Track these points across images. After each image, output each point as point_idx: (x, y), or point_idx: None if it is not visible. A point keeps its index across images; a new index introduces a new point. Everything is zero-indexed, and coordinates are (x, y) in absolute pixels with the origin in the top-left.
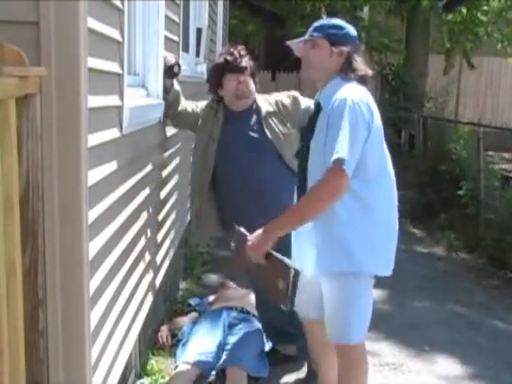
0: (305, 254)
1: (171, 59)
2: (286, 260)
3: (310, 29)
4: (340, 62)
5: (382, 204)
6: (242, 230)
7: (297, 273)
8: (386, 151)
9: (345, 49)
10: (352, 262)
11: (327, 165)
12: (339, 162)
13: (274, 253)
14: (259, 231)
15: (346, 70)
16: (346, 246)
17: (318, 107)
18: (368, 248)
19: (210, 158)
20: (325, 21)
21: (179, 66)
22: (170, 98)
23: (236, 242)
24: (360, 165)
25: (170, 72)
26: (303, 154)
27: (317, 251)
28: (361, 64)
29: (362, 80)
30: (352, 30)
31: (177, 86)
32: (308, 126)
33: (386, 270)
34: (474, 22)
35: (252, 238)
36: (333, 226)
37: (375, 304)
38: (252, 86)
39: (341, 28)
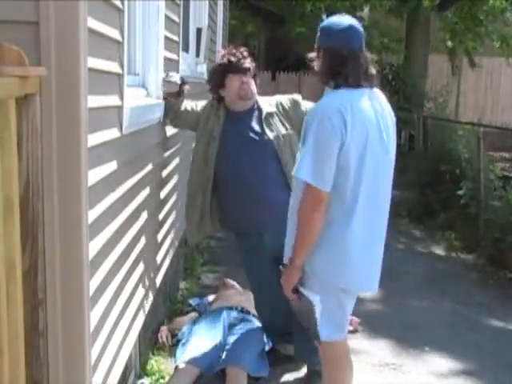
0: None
1: (176, 79)
2: (309, 296)
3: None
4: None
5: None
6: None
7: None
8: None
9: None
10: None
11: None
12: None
13: (300, 289)
14: (284, 273)
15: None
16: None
17: None
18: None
19: (211, 157)
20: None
21: (184, 82)
22: (174, 102)
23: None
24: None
25: (177, 93)
26: None
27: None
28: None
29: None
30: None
31: (185, 86)
32: None
33: (357, 287)
34: (474, 21)
35: (282, 282)
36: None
37: (375, 304)
38: (254, 87)
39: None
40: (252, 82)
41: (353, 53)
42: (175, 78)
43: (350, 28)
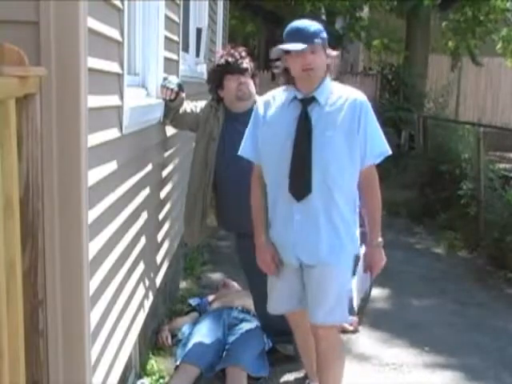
0: (302, 243)
1: (174, 85)
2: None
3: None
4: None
5: None
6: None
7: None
8: None
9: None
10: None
11: (371, 161)
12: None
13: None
14: (372, 253)
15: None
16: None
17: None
18: None
19: (210, 157)
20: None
21: (182, 90)
22: (173, 104)
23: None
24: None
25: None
26: (305, 143)
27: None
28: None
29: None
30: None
31: (182, 94)
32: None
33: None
34: (475, 21)
35: (375, 265)
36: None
37: (375, 304)
38: (252, 88)
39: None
40: (250, 83)
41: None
42: (173, 84)
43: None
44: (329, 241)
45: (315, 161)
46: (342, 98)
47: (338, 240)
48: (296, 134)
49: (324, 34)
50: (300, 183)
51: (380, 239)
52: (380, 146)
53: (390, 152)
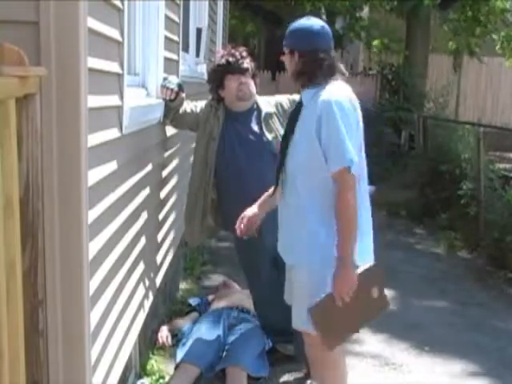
0: (280, 242)
1: (174, 85)
2: (369, 263)
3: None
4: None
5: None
6: (315, 304)
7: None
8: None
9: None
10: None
11: (330, 168)
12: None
13: (358, 270)
14: (335, 274)
15: None
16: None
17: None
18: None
19: (210, 157)
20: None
21: (182, 90)
22: (173, 104)
23: (322, 317)
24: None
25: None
26: (284, 147)
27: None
28: None
29: None
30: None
31: (182, 94)
32: (291, 120)
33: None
34: (475, 21)
35: (336, 286)
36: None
37: None
38: (253, 88)
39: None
40: (251, 83)
41: (327, 52)
42: (173, 84)
43: (322, 29)
44: (291, 242)
45: (286, 164)
46: (319, 99)
47: (300, 244)
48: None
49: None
50: (276, 183)
51: (350, 259)
52: (337, 155)
53: (348, 164)
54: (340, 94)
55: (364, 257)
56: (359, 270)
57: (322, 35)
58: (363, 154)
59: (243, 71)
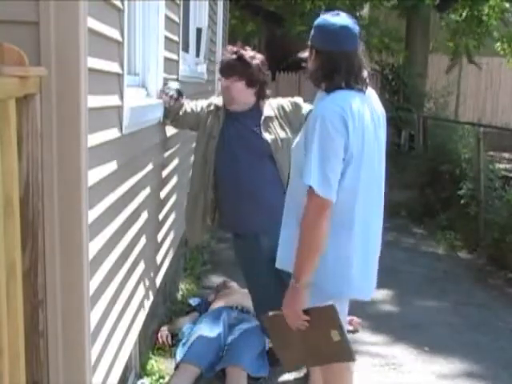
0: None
1: (174, 92)
2: (329, 303)
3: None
4: None
5: None
6: (270, 313)
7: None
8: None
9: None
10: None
11: (305, 181)
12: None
13: (312, 306)
14: (286, 294)
15: None
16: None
17: None
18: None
19: (210, 155)
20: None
21: (182, 95)
22: (173, 107)
23: (274, 329)
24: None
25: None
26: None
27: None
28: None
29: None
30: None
31: (181, 100)
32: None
33: (355, 294)
34: (474, 21)
35: (284, 305)
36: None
37: (376, 304)
38: (237, 93)
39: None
40: (233, 87)
41: (347, 55)
42: (172, 90)
43: (345, 29)
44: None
45: (290, 167)
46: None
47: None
48: None
49: (314, 31)
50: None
51: (301, 280)
52: (305, 172)
53: (310, 185)
54: (333, 110)
55: (342, 289)
56: (317, 304)
57: (344, 36)
58: (376, 174)
59: (225, 75)
